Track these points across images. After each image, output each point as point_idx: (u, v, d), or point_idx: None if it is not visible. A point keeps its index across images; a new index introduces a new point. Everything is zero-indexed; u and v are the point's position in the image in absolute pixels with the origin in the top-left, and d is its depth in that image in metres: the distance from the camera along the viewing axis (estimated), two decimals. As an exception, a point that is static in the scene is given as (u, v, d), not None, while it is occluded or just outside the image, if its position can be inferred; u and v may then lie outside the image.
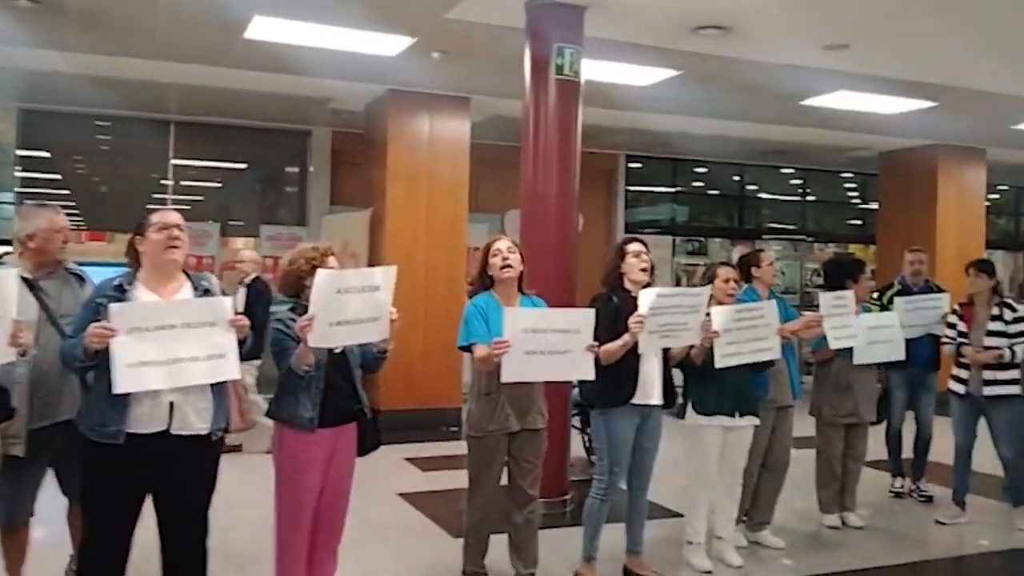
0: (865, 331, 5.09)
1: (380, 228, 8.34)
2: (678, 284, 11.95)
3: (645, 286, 4.06)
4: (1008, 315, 5.24)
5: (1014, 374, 5.19)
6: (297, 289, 3.42)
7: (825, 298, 4.89)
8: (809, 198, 13.44)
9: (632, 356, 3.96)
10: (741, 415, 4.42)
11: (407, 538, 5.07)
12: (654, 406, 4.15)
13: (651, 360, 4.09)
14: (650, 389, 4.10)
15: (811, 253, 13.38)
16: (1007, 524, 5.49)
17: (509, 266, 3.86)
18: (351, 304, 3.17)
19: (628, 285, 4.15)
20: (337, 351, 3.39)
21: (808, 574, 4.56)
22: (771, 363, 4.48)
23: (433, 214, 8.34)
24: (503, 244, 3.92)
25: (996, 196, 14.32)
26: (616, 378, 3.92)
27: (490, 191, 9.38)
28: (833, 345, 4.86)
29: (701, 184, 12.90)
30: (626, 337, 3.89)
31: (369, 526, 5.04)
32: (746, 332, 4.26)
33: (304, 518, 3.39)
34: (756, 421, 4.52)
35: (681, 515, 4.88)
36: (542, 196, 5.46)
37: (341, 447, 3.46)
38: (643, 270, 4.12)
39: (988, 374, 5.22)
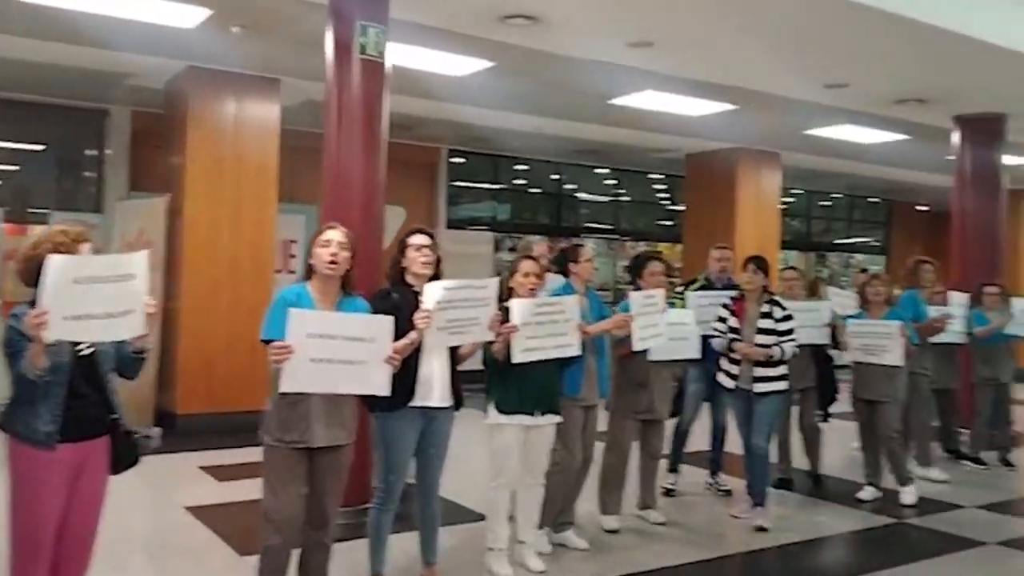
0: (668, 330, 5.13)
1: (179, 216, 7.82)
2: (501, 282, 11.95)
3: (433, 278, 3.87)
4: (778, 313, 5.32)
5: (783, 371, 5.35)
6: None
7: (635, 297, 4.86)
8: (623, 198, 13.89)
9: (412, 355, 3.73)
10: (542, 413, 4.35)
11: (185, 559, 4.62)
12: (438, 408, 3.93)
13: (433, 359, 3.89)
14: (431, 390, 3.89)
15: (623, 251, 13.83)
16: (802, 517, 5.75)
17: (335, 263, 3.47)
18: (94, 295, 2.71)
19: (411, 279, 3.92)
20: (84, 352, 2.96)
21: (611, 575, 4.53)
22: (575, 359, 4.42)
23: (238, 202, 7.90)
24: (335, 235, 3.51)
25: (791, 199, 15.39)
26: (392, 379, 3.52)
27: (307, 181, 8.97)
28: (638, 345, 4.80)
29: (523, 182, 13.04)
30: (412, 334, 3.64)
31: (146, 545, 4.66)
32: (546, 327, 4.18)
33: (42, 548, 2.92)
34: (558, 419, 4.46)
35: (489, 518, 4.78)
36: (345, 184, 5.24)
37: (90, 465, 3.01)
38: (425, 264, 3.89)
39: (758, 371, 5.31)
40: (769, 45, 6.68)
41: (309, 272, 3.55)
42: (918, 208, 17.05)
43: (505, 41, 6.49)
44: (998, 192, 8.81)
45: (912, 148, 10.73)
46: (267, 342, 3.33)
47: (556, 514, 4.80)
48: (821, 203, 16.25)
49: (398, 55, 6.19)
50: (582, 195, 13.59)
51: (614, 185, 13.72)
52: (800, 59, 7.07)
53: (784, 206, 15.23)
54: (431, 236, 4.01)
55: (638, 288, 5.09)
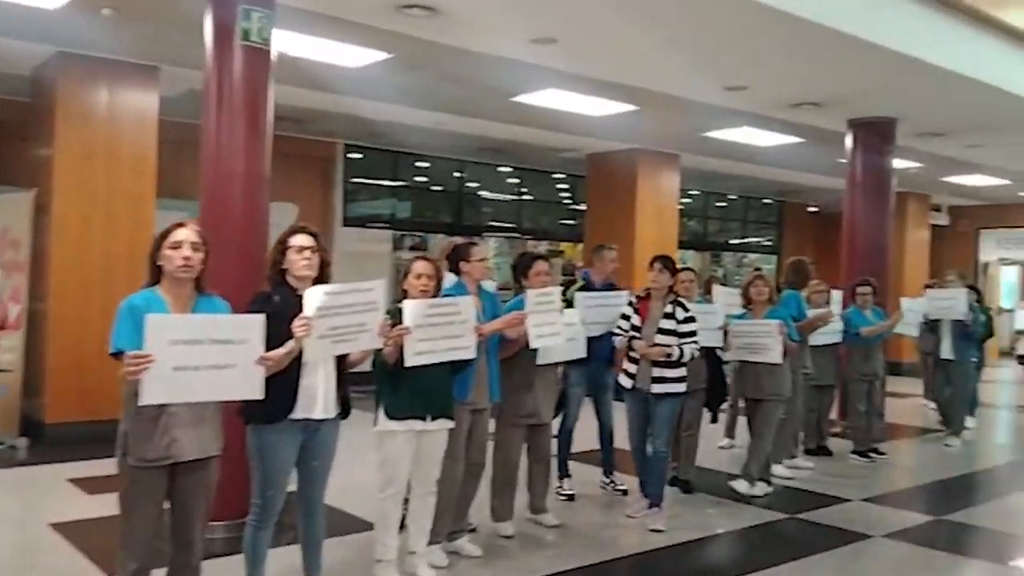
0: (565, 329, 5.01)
1: (46, 212, 7.22)
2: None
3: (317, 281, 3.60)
4: (680, 314, 5.24)
5: (681, 372, 5.28)
6: None
7: (530, 295, 4.71)
8: (526, 197, 13.76)
9: (294, 364, 3.45)
10: (434, 418, 4.15)
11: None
12: (321, 420, 3.65)
13: (317, 368, 3.60)
14: (313, 401, 3.60)
15: (526, 250, 13.69)
16: (695, 515, 5.72)
17: (188, 266, 3.15)
18: None
19: (293, 282, 3.62)
20: None
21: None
22: (469, 362, 4.25)
23: (112, 197, 7.35)
24: (186, 234, 3.17)
25: (688, 200, 15.58)
26: (270, 390, 3.25)
27: (190, 175, 8.44)
28: (535, 343, 4.67)
29: (424, 179, 12.74)
30: (290, 343, 3.36)
31: (2, 567, 4.21)
32: (440, 329, 3.99)
33: None
34: (450, 424, 4.27)
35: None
36: (226, 178, 4.88)
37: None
38: (306, 266, 3.59)
39: (656, 371, 5.23)
40: (670, 46, 6.61)
41: (157, 275, 3.20)
42: (809, 210, 17.56)
43: (402, 32, 6.21)
44: (887, 194, 9.03)
45: (806, 151, 10.94)
46: (118, 354, 3.01)
47: (449, 524, 4.62)
48: (717, 204, 16.53)
49: (287, 43, 5.90)
50: (485, 193, 13.39)
51: (517, 184, 13.57)
52: (700, 60, 7.03)
53: (682, 207, 15.48)
54: (314, 236, 3.71)
55: (523, 289, 4.94)
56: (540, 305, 4.70)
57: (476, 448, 4.72)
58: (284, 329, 3.34)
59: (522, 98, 8.32)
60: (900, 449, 8.30)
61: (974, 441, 8.73)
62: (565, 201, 14.31)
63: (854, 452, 7.55)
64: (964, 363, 8.38)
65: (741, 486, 6.08)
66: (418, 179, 12.66)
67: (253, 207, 5.00)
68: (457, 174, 12.87)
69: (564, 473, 6.05)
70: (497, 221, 13.48)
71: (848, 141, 9.04)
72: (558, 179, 14.01)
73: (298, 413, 3.58)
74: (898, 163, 11.16)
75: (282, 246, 3.67)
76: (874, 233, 8.96)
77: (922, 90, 7.81)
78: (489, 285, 5.19)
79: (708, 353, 6.05)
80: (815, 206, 17.25)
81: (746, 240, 17.20)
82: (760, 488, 6.13)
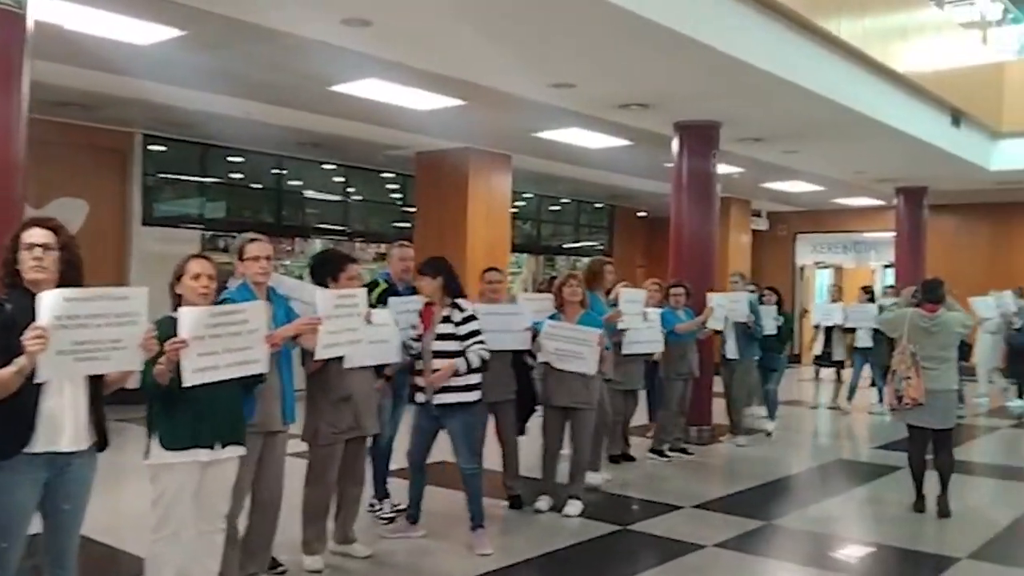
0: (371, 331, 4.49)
1: None
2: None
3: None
4: (457, 316, 4.89)
5: (470, 380, 4.89)
6: None
7: (325, 296, 4.17)
8: (355, 197, 13.10)
9: (29, 386, 2.83)
10: (224, 445, 3.56)
11: None
12: (71, 453, 3.04)
13: (63, 390, 2.98)
14: (58, 431, 2.98)
15: (354, 253, 13.02)
16: (521, 533, 5.41)
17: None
18: None
19: (30, 287, 2.97)
20: None
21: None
22: (261, 378, 3.67)
23: None
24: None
25: (522, 203, 15.42)
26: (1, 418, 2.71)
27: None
28: (321, 353, 4.10)
29: (239, 176, 11.84)
30: (20, 360, 2.75)
31: None
32: (225, 340, 3.38)
33: None
34: (242, 451, 3.69)
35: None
36: (-36, 163, 4.06)
37: None
38: (36, 267, 2.97)
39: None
40: (491, 37, 6.25)
41: None
42: (639, 214, 17.83)
43: (196, 6, 5.50)
44: (712, 198, 9.07)
45: (634, 154, 10.92)
46: None
47: (241, 565, 4.07)
48: (551, 207, 16.46)
49: (65, 16, 5.15)
50: (309, 192, 12.61)
51: (343, 183, 12.88)
52: (525, 55, 6.71)
53: (516, 209, 15.30)
54: (55, 231, 3.06)
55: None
56: (340, 308, 4.17)
57: (270, 479, 4.16)
58: (17, 342, 2.74)
59: (340, 88, 7.73)
60: (716, 451, 8.31)
61: (779, 442, 8.80)
62: (396, 202, 13.74)
63: (652, 451, 7.57)
64: (745, 363, 8.51)
65: (574, 508, 5.78)
66: (233, 175, 11.75)
67: (5, 199, 4.19)
68: (276, 171, 12.04)
69: (383, 493, 5.55)
70: (323, 222, 12.74)
71: (674, 144, 9.02)
72: (387, 178, 13.43)
73: (38, 446, 2.94)
74: (722, 168, 11.39)
75: (15, 243, 3.01)
76: (700, 236, 8.98)
77: (746, 94, 7.84)
78: None
79: (516, 360, 5.70)
80: (644, 210, 17.52)
81: (579, 244, 17.25)
82: (576, 507, 5.82)
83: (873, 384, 10.59)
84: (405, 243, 5.79)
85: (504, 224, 11.67)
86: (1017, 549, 5.50)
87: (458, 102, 8.24)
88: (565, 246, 16.88)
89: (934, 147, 10.33)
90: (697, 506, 6.13)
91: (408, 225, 13.39)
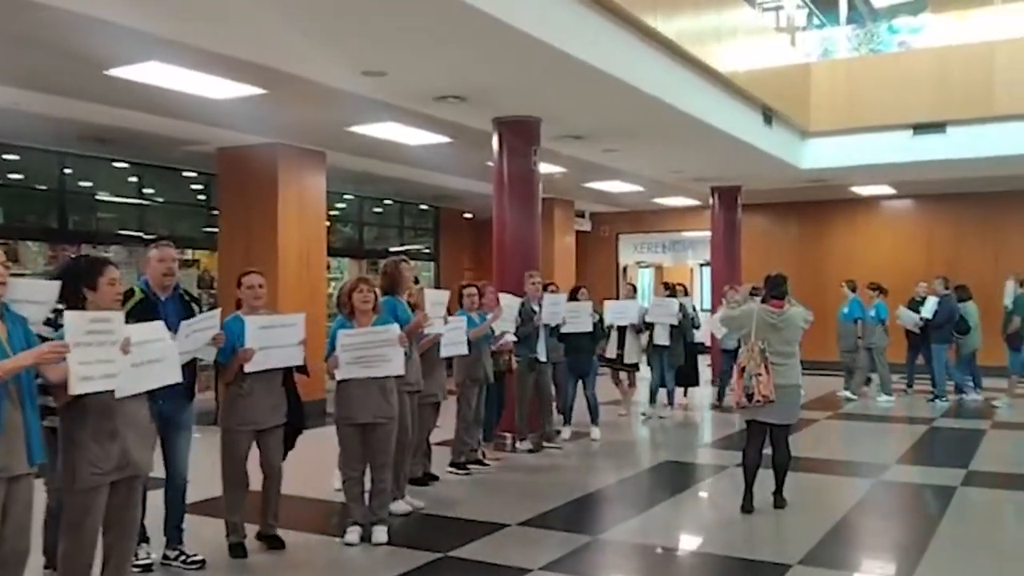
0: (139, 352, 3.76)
1: None
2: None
3: None
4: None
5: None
6: None
7: (72, 320, 3.41)
8: (155, 199, 11.91)
9: None
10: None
11: None
12: None
13: None
14: None
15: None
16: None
17: None
18: None
19: None
20: None
21: None
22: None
23: None
24: None
25: (342, 205, 14.68)
26: None
27: None
28: (77, 389, 3.41)
29: (17, 176, 10.45)
30: None
31: None
32: None
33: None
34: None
35: None
36: None
37: None
38: None
39: None
40: (292, 17, 5.61)
41: None
42: (465, 216, 17.46)
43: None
44: (535, 197, 8.76)
45: (456, 152, 10.49)
46: None
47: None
48: (374, 209, 15.79)
49: None
50: (101, 195, 11.33)
51: (138, 183, 11.65)
52: (331, 37, 6.10)
53: (336, 212, 14.54)
54: None
55: (83, 309, 3.67)
56: (92, 335, 3.44)
57: (15, 533, 3.40)
58: None
59: (118, 72, 6.78)
60: (539, 460, 8.00)
61: (602, 446, 8.63)
62: (202, 204, 12.61)
63: (453, 465, 7.11)
64: (554, 365, 8.38)
65: (381, 534, 5.21)
66: (10, 176, 10.36)
67: None
68: (61, 170, 10.71)
69: (176, 540, 4.81)
70: (117, 227, 11.48)
71: (495, 141, 8.64)
72: (190, 178, 12.30)
73: None
74: (545, 167, 11.15)
75: None
76: (523, 236, 8.65)
77: (566, 88, 7.57)
78: None
79: (287, 378, 5.08)
80: (470, 212, 17.17)
81: (404, 247, 16.65)
82: (382, 533, 5.23)
83: (663, 384, 10.30)
84: (165, 243, 4.91)
85: (319, 226, 10.91)
86: (846, 550, 5.44)
87: (258, 91, 7.46)
88: (390, 249, 16.22)
89: (748, 145, 10.52)
90: (522, 523, 5.70)
91: (217, 229, 12.38)
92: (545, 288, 8.54)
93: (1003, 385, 11.36)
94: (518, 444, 8.11)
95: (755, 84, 10.20)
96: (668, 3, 7.85)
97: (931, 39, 14.76)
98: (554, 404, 8.59)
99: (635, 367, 10.11)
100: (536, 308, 8.16)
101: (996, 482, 7.05)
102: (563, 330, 8.50)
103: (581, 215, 18.13)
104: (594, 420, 8.85)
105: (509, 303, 7.43)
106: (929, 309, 11.34)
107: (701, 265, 18.67)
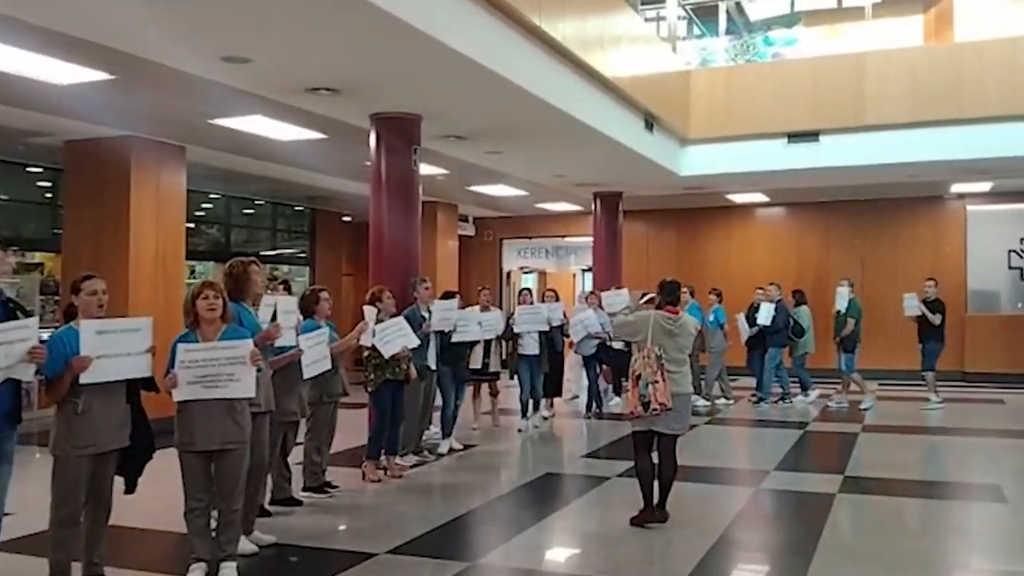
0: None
1: None
2: None
3: None
4: None
5: None
6: None
7: None
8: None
9: None
10: None
11: None
12: None
13: None
14: None
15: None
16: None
17: None
18: None
19: None
20: None
21: None
22: None
23: None
24: None
25: (209, 205, 13.85)
26: None
27: None
28: None
29: None
30: None
31: None
32: None
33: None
34: None
35: None
36: None
37: None
38: None
39: None
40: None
41: None
42: (343, 218, 16.83)
43: None
44: (414, 198, 8.34)
45: (330, 150, 9.96)
46: None
47: None
48: (244, 210, 14.97)
49: None
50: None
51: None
52: (183, 15, 5.51)
53: (202, 212, 13.70)
54: None
55: None
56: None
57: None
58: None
59: (-66, 49, 6.01)
60: (423, 475, 7.61)
61: (480, 460, 8.32)
62: (49, 202, 11.54)
63: (306, 489, 6.55)
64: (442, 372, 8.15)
65: (230, 571, 4.63)
66: None
67: None
68: None
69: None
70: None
71: (372, 139, 8.18)
72: (36, 174, 11.25)
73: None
74: (426, 169, 10.76)
75: None
76: (402, 239, 8.22)
77: (447, 85, 7.22)
78: None
79: (132, 394, 4.49)
80: (349, 214, 16.55)
81: (277, 251, 15.89)
82: (231, 570, 4.65)
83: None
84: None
85: (178, 227, 10.11)
86: (731, 565, 5.28)
87: (104, 75, 6.76)
88: (262, 253, 15.44)
89: (630, 150, 10.42)
90: (392, 551, 5.26)
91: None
92: (448, 295, 8.19)
93: (836, 387, 11.80)
94: (398, 460, 7.64)
95: (637, 89, 10.11)
96: (553, 4, 7.59)
97: (805, 52, 15.20)
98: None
99: (497, 376, 9.80)
100: (425, 315, 7.77)
101: (872, 488, 7.09)
102: (453, 339, 8.16)
103: (465, 219, 17.82)
104: (450, 432, 8.53)
105: (368, 316, 6.87)
106: (765, 315, 11.53)
107: (584, 271, 18.65)
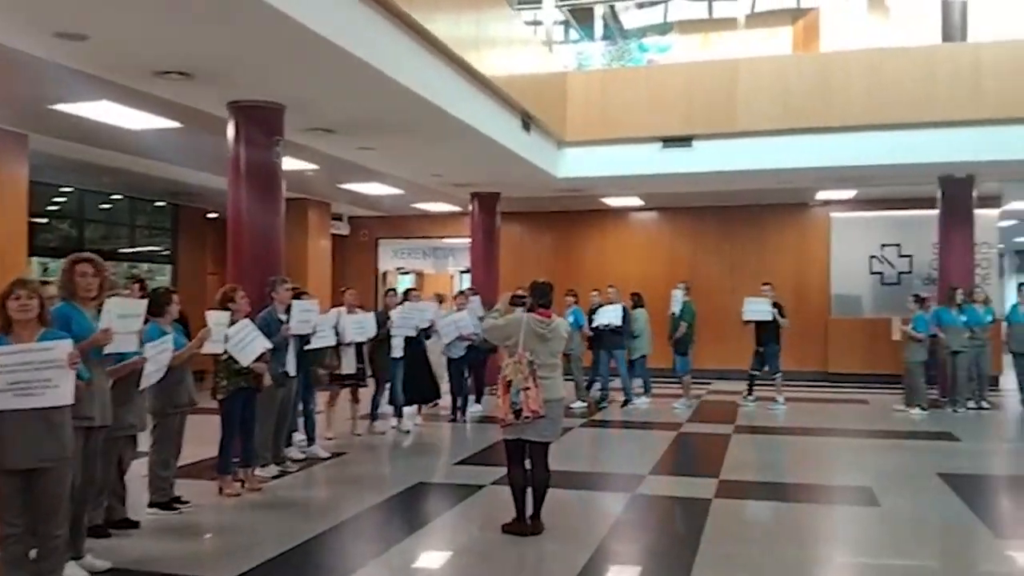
0: None
1: None
2: None
3: None
4: None
5: None
6: None
7: None
8: None
9: None
10: None
11: None
12: None
13: None
14: None
15: None
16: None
17: None
18: None
19: None
20: None
21: None
22: None
23: None
24: None
25: (61, 199, 12.86)
26: None
27: None
28: None
29: None
30: None
31: None
32: None
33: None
34: None
35: None
36: None
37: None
38: None
39: None
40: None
41: None
42: (208, 215, 15.97)
43: None
44: (277, 193, 7.85)
45: (189, 141, 9.33)
46: None
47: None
48: (100, 205, 13.97)
49: None
50: None
51: None
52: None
53: (54, 207, 12.73)
54: None
55: None
56: None
57: None
58: None
59: None
60: (286, 487, 7.15)
61: (347, 470, 7.92)
62: None
63: (152, 505, 6.05)
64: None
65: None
66: None
67: None
68: None
69: None
70: None
71: (230, 129, 7.65)
72: None
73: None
74: (294, 163, 10.26)
75: None
76: (264, 238, 7.72)
77: (311, 72, 6.79)
78: None
79: None
80: (215, 211, 15.71)
81: (136, 248, 14.91)
82: None
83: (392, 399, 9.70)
84: None
85: (19, 222, 9.25)
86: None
87: (-83, 49, 6.03)
88: (120, 250, 14.46)
89: (507, 150, 10.22)
90: (253, 569, 4.85)
91: None
92: (297, 295, 7.67)
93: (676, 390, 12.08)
94: (258, 471, 7.14)
95: (514, 89, 9.91)
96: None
97: (679, 59, 15.44)
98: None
99: (363, 381, 9.30)
100: (283, 318, 7.29)
101: (747, 492, 7.08)
102: (311, 344, 7.73)
103: (339, 218, 17.27)
104: (313, 439, 8.16)
105: (217, 320, 6.33)
106: (613, 316, 11.53)
107: (462, 272, 18.41)
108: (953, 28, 12.65)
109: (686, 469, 8.37)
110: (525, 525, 5.58)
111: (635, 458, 8.70)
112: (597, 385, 12.22)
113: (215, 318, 6.20)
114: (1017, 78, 10.60)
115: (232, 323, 6.37)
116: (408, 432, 9.65)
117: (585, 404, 11.68)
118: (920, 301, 11.36)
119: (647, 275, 14.95)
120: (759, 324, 11.60)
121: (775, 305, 11.55)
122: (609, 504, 6.70)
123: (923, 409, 11.09)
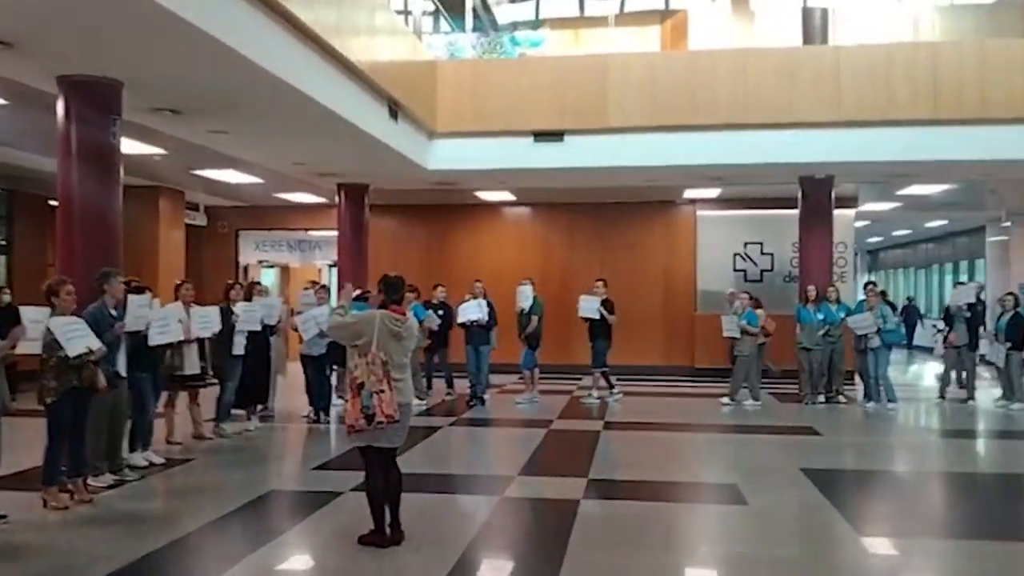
0: None
1: None
2: None
3: None
4: None
5: None
6: None
7: None
8: None
9: None
10: None
11: None
12: None
13: None
14: None
15: None
16: None
17: None
18: None
19: None
20: None
21: None
22: None
23: None
24: None
25: None
26: None
27: None
28: None
29: None
30: None
31: None
32: None
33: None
34: None
35: None
36: None
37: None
38: None
39: None
40: None
41: None
42: (51, 203, 14.73)
43: None
44: (115, 177, 7.16)
45: (18, 120, 8.47)
46: None
47: None
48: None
49: None
50: None
51: None
52: None
53: None
54: None
55: None
56: None
57: None
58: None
59: None
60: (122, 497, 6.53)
61: (200, 475, 7.41)
62: None
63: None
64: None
65: None
66: None
67: None
68: None
69: None
70: None
71: (60, 106, 6.92)
72: None
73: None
74: (139, 147, 9.52)
75: None
76: (99, 225, 7.04)
77: (149, 44, 6.16)
78: None
79: None
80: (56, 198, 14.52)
81: (-35, 237, 13.62)
82: None
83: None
84: None
85: None
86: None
87: None
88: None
89: (373, 138, 9.78)
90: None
91: None
92: (130, 287, 7.01)
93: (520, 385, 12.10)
94: (90, 481, 6.48)
95: (380, 74, 9.47)
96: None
97: (550, 54, 15.33)
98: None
99: (203, 382, 8.72)
100: (114, 313, 6.63)
101: (616, 491, 6.95)
102: (152, 341, 7.12)
103: (195, 208, 16.33)
104: (148, 444, 7.57)
105: (34, 317, 5.67)
106: (473, 312, 11.49)
107: (330, 266, 17.78)
108: (814, 31, 13.05)
109: (556, 469, 8.18)
110: (384, 536, 5.22)
111: (504, 458, 8.47)
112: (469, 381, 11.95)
113: (32, 314, 5.53)
114: (875, 82, 10.97)
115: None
116: (254, 432, 9.09)
117: (425, 403, 11.40)
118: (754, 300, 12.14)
119: (521, 270, 14.77)
120: (592, 321, 11.67)
121: (605, 303, 11.63)
122: (475, 508, 6.43)
123: (756, 400, 11.75)
